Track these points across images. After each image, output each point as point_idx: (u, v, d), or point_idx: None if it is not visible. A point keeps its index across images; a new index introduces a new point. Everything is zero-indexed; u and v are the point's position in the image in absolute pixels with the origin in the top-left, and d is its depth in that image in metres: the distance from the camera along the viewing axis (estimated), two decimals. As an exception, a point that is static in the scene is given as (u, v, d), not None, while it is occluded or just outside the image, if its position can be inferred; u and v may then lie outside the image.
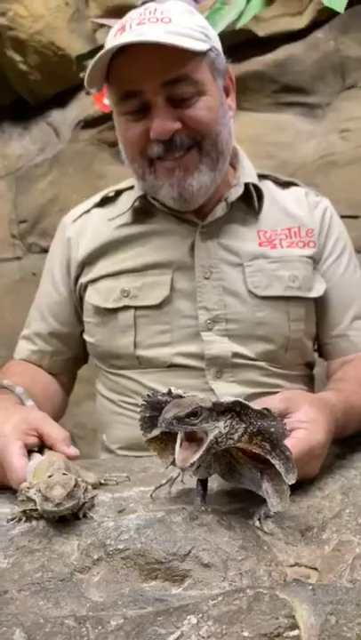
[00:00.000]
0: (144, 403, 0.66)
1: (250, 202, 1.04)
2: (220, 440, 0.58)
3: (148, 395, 0.66)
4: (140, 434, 0.70)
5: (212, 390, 0.97)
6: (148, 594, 0.47)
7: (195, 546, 0.50)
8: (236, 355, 0.98)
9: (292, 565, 0.52)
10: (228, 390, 0.96)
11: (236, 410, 0.58)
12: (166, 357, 0.99)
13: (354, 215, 1.79)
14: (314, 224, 1.05)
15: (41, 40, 2.19)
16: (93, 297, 1.04)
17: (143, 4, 1.05)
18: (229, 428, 0.58)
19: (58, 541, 0.56)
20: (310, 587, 0.44)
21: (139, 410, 0.67)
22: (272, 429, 0.57)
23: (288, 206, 1.06)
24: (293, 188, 1.11)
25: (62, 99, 2.43)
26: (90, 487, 0.67)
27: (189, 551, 0.50)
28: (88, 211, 1.10)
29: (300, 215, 1.05)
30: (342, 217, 1.17)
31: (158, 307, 0.99)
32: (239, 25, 1.81)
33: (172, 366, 0.99)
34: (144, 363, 1.01)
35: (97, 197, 1.12)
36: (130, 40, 0.89)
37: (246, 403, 0.58)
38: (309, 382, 1.10)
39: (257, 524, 0.58)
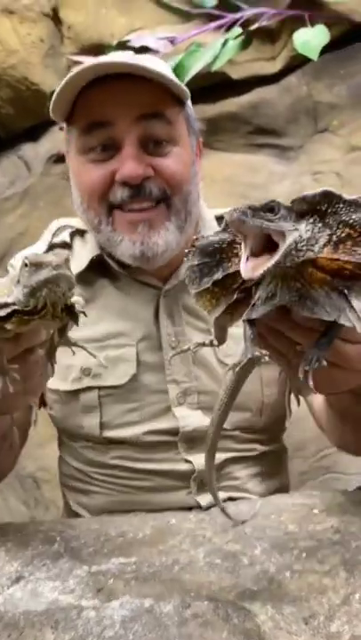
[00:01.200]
0: (192, 247, 0.57)
1: None
2: (299, 247, 0.48)
3: (196, 238, 0.56)
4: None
5: (188, 462, 0.91)
6: None
7: (190, 646, 0.44)
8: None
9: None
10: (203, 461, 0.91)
11: (321, 209, 0.49)
12: (136, 436, 0.91)
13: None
14: None
15: (14, 75, 2.16)
16: None
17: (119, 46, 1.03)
18: (311, 234, 0.49)
19: (29, 635, 0.49)
20: None
21: (185, 258, 0.57)
22: None
23: None
24: None
25: (34, 133, 2.41)
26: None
27: (185, 651, 0.44)
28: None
29: None
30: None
31: (124, 386, 0.91)
32: (214, 67, 1.85)
33: (144, 443, 0.92)
34: (112, 442, 0.93)
35: (47, 239, 1.00)
36: (107, 60, 0.83)
37: (337, 193, 0.48)
38: (281, 436, 1.06)
39: (308, 373, 0.51)
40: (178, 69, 1.93)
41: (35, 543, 0.74)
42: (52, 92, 2.05)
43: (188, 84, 1.84)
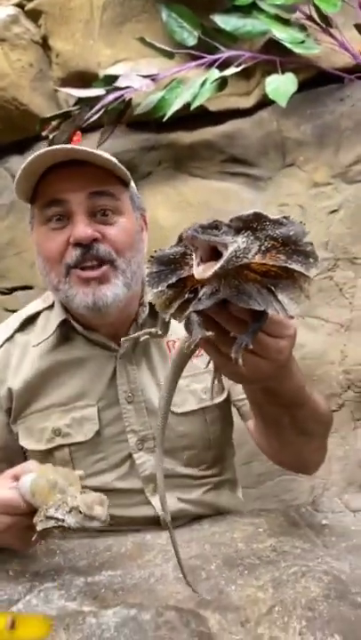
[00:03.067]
0: (151, 258, 0.67)
1: (157, 317, 1.10)
2: (238, 255, 0.60)
3: (154, 250, 0.67)
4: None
5: (150, 504, 1.07)
6: None
7: (162, 644, 0.66)
8: (166, 468, 1.02)
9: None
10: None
11: (252, 226, 0.60)
12: (107, 484, 1.06)
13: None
14: None
15: (4, 95, 2.29)
16: (25, 439, 1.07)
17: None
18: (246, 244, 0.60)
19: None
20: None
21: (146, 266, 0.69)
22: (291, 232, 0.60)
23: None
24: None
25: (21, 147, 2.53)
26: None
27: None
28: (10, 337, 1.12)
29: None
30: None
31: (90, 441, 1.06)
32: (193, 107, 2.00)
33: (115, 490, 1.06)
34: (87, 489, 1.07)
35: (15, 322, 1.14)
36: (64, 146, 1.05)
37: (264, 213, 0.61)
38: (232, 460, 1.23)
39: (238, 354, 0.64)
40: (160, 103, 2.09)
41: (40, 557, 0.95)
42: (42, 120, 2.17)
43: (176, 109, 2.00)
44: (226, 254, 0.58)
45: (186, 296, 0.68)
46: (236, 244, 0.59)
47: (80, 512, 0.73)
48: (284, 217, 0.62)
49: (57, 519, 0.75)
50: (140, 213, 1.13)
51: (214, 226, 0.59)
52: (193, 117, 2.16)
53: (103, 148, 2.33)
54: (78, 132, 2.28)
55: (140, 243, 1.09)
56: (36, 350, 1.08)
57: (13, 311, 1.31)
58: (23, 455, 1.11)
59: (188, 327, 0.69)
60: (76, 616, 0.73)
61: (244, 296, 0.64)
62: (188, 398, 1.09)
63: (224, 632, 0.70)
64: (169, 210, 2.26)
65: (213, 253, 0.59)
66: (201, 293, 0.67)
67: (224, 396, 1.14)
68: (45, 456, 1.06)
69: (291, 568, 0.81)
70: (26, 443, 1.07)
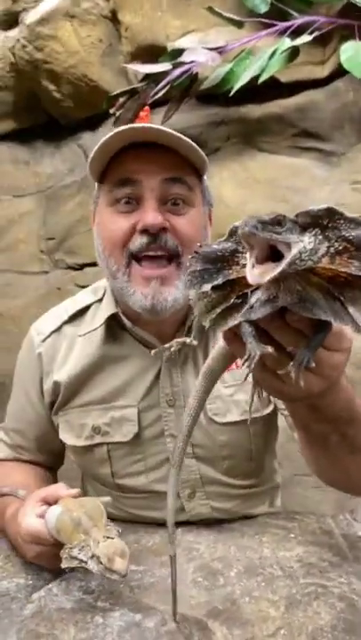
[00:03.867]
0: (195, 254, 0.59)
1: None
2: (303, 257, 0.51)
3: (199, 245, 0.59)
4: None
5: (184, 510, 1.05)
6: None
7: (159, 656, 0.66)
8: (204, 476, 1.04)
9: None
10: (200, 511, 1.04)
11: (323, 223, 0.52)
12: (144, 485, 1.04)
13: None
14: None
15: (75, 73, 2.29)
16: (65, 433, 1.06)
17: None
18: (313, 245, 0.52)
19: (58, 628, 0.73)
20: None
21: (188, 264, 0.60)
22: None
23: None
24: None
25: (92, 123, 2.54)
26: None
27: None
28: (58, 329, 1.09)
29: None
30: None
31: (130, 441, 1.03)
32: (261, 80, 1.91)
33: (151, 492, 1.05)
34: (125, 489, 1.06)
35: (65, 314, 1.11)
36: (146, 125, 0.94)
37: (338, 209, 0.52)
38: (273, 467, 1.18)
39: (299, 373, 0.56)
40: (227, 77, 2.01)
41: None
42: (109, 97, 2.16)
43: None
44: (289, 256, 0.50)
45: (232, 301, 0.58)
46: (301, 244, 0.51)
47: (101, 562, 0.73)
48: None
49: (80, 560, 0.76)
50: (209, 208, 1.06)
51: (277, 221, 0.50)
52: (263, 89, 2.05)
53: (169, 125, 2.29)
54: (147, 109, 2.25)
55: (206, 239, 1.02)
56: (83, 343, 1.06)
57: (84, 286, 1.30)
58: (62, 446, 1.11)
59: (229, 339, 0.61)
60: (87, 612, 0.75)
61: (308, 304, 0.55)
62: (231, 409, 1.03)
63: (226, 647, 0.69)
64: (235, 187, 2.19)
65: (272, 253, 0.51)
66: (254, 299, 0.57)
67: (270, 408, 1.07)
68: (84, 452, 1.06)
69: (308, 587, 0.79)
70: (65, 437, 1.07)
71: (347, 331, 0.63)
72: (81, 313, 1.10)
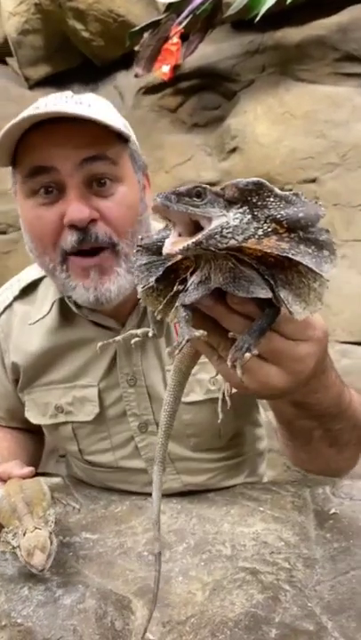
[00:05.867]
0: (138, 247, 0.56)
1: None
2: (225, 233, 0.47)
3: (140, 237, 0.56)
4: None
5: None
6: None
7: (63, 636, 0.67)
8: (172, 452, 1.00)
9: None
10: (171, 485, 1.00)
11: (251, 200, 0.48)
12: (111, 462, 1.02)
13: None
14: None
15: (100, 8, 2.19)
16: (30, 411, 1.05)
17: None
18: (238, 222, 0.48)
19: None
20: None
21: (133, 258, 0.57)
22: (301, 215, 0.47)
23: None
24: None
25: (128, 61, 2.44)
26: (54, 537, 0.78)
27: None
28: (10, 305, 1.05)
29: None
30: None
31: (93, 420, 1.00)
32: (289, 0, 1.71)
33: (119, 468, 1.03)
34: (94, 464, 1.05)
35: (15, 287, 1.05)
36: (47, 110, 0.81)
37: (268, 185, 0.47)
38: (257, 440, 1.12)
39: (235, 360, 0.51)
40: (252, 3, 1.81)
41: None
42: (130, 33, 2.04)
43: (271, 6, 1.73)
44: (208, 228, 0.46)
45: (175, 288, 0.55)
46: (224, 218, 0.47)
47: (22, 553, 0.73)
48: (295, 194, 0.48)
49: (13, 547, 0.76)
50: (143, 173, 0.93)
51: (196, 193, 0.47)
52: (300, 9, 1.86)
53: (197, 57, 2.12)
54: (178, 42, 2.11)
55: (145, 211, 0.91)
56: (36, 329, 1.01)
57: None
58: None
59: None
60: (20, 582, 0.77)
61: (243, 281, 0.50)
62: (194, 388, 0.97)
63: (140, 629, 0.69)
64: (270, 123, 2.02)
65: (196, 230, 0.47)
66: (189, 283, 0.53)
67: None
68: (51, 429, 1.05)
69: (240, 572, 0.75)
70: (30, 415, 1.05)
71: (316, 319, 0.57)
72: (32, 287, 1.04)
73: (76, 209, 0.82)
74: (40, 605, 0.72)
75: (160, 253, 0.52)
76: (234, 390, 0.72)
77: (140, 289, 0.57)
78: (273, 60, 2.05)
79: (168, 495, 1.04)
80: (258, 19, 1.76)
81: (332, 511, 0.94)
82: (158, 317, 0.58)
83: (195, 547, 0.86)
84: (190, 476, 1.03)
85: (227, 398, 0.78)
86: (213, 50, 2.06)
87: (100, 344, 0.76)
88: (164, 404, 0.70)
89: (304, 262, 0.48)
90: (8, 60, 2.69)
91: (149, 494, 1.04)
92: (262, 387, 0.57)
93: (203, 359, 0.70)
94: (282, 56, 2.02)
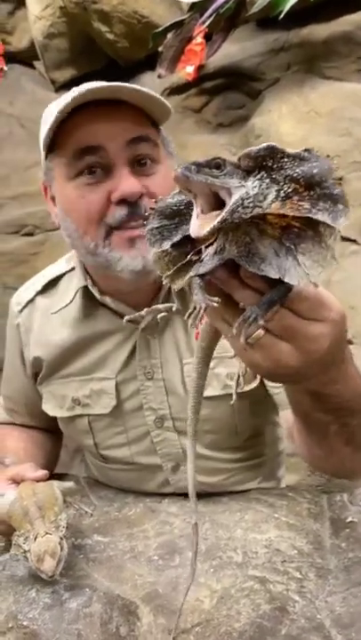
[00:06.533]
0: (151, 210, 0.57)
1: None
2: (246, 204, 0.48)
3: (154, 200, 0.57)
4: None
5: (169, 484, 1.02)
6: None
7: (67, 641, 0.66)
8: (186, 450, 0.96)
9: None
10: (185, 485, 0.98)
11: (267, 165, 0.48)
12: (127, 457, 1.03)
13: None
14: None
15: (124, 10, 2.19)
16: (48, 403, 1.06)
17: None
18: (258, 190, 0.48)
19: (2, 595, 0.76)
20: None
21: (144, 222, 0.57)
22: (315, 170, 0.47)
23: None
24: None
25: (152, 62, 2.43)
26: (65, 543, 0.78)
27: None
28: (32, 300, 1.07)
29: None
30: None
31: (110, 414, 1.01)
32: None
33: (135, 464, 1.03)
34: (109, 460, 1.06)
35: (38, 283, 1.08)
36: (102, 85, 0.83)
37: (279, 147, 0.48)
38: (277, 442, 1.11)
39: (242, 330, 0.53)
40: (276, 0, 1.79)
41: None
42: (153, 34, 2.04)
43: (296, 3, 1.70)
44: (230, 203, 0.47)
45: (189, 257, 0.55)
46: (244, 189, 0.47)
47: (32, 559, 0.73)
48: (306, 149, 0.48)
49: (24, 550, 0.76)
50: (172, 158, 0.97)
51: (215, 164, 0.47)
52: (327, 5, 1.82)
53: (221, 56, 2.10)
54: (202, 42, 2.09)
55: None
56: (58, 319, 1.03)
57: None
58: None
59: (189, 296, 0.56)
60: (29, 584, 0.77)
61: (256, 258, 0.51)
62: (211, 382, 0.96)
63: (146, 636, 0.68)
64: (295, 122, 1.99)
65: (217, 202, 0.48)
66: (204, 254, 0.54)
67: (255, 383, 0.98)
68: (68, 422, 1.06)
69: (249, 581, 0.73)
70: (48, 407, 1.06)
71: (332, 300, 0.57)
72: (54, 283, 1.06)
73: (129, 183, 0.86)
74: (46, 608, 0.72)
75: (172, 217, 0.55)
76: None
77: (152, 252, 0.57)
78: (298, 58, 2.02)
79: (181, 495, 1.03)
80: (282, 16, 1.73)
81: (349, 519, 0.91)
82: (165, 282, 0.58)
83: (206, 552, 0.85)
84: (205, 476, 1.02)
85: (241, 379, 0.78)
86: (238, 49, 2.04)
87: (126, 317, 0.81)
88: (190, 382, 0.72)
89: (322, 219, 0.48)
90: (35, 63, 2.73)
91: (164, 495, 1.04)
92: (275, 365, 0.56)
93: (219, 353, 0.71)
94: (308, 53, 1.99)
